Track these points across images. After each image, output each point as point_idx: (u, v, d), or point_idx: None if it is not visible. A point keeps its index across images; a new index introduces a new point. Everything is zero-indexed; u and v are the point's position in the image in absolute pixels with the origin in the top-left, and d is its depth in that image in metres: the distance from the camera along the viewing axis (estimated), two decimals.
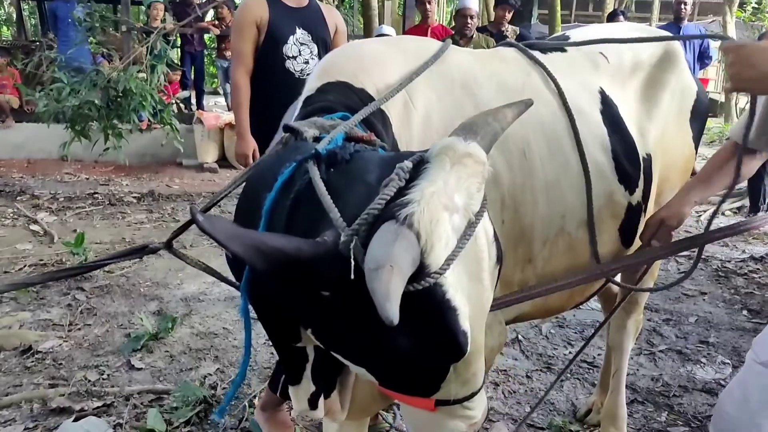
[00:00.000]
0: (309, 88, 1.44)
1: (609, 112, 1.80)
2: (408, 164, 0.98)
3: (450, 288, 0.94)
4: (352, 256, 0.91)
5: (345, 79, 1.41)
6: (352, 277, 0.90)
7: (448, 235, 0.93)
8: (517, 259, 1.62)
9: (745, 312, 3.81)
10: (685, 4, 6.68)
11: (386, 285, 0.83)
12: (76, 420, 2.51)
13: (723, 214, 6.24)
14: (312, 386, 1.37)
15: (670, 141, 2.00)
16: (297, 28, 3.09)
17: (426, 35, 6.10)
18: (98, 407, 2.63)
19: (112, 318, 3.51)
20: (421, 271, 0.89)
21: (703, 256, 4.81)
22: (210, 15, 9.12)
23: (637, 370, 3.03)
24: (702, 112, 2.14)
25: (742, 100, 15.83)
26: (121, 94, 5.36)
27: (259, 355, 3.09)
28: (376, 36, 5.68)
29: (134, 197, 6.39)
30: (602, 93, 1.82)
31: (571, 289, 1.81)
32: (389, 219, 0.90)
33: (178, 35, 8.01)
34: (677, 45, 2.08)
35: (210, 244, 4.94)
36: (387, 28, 5.80)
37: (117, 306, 3.68)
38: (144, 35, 7.07)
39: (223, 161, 7.97)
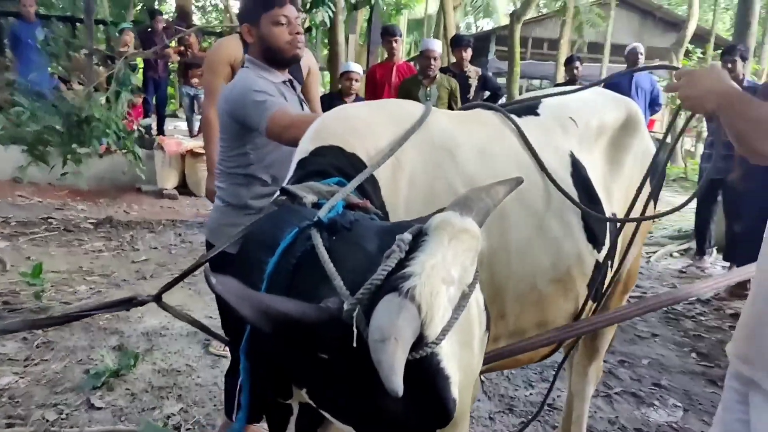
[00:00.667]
0: (302, 150, 1.49)
1: (578, 174, 1.91)
2: (407, 236, 1.03)
3: (444, 357, 0.98)
4: (355, 325, 0.95)
5: (338, 144, 1.47)
6: (355, 345, 0.94)
7: (445, 307, 0.97)
8: (491, 315, 1.68)
9: (694, 355, 3.98)
10: (640, 54, 7.02)
11: (392, 357, 0.87)
12: None
13: (671, 255, 6.52)
14: None
15: (630, 199, 2.10)
16: None
17: (392, 72, 6.24)
18: None
19: (71, 353, 3.43)
20: (419, 341, 0.94)
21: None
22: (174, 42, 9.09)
23: (595, 412, 3.13)
24: (659, 171, 2.28)
25: (688, 143, 16.56)
26: (83, 121, 5.27)
27: (224, 394, 3.06)
28: (342, 72, 5.77)
29: (91, 223, 6.26)
30: (572, 156, 1.93)
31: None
32: (392, 291, 0.94)
33: (141, 61, 7.96)
34: (638, 109, 2.22)
35: (171, 275, 4.88)
36: (353, 65, 5.89)
37: (76, 340, 3.59)
38: (107, 60, 7.00)
39: (183, 188, 7.89)
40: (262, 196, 2.26)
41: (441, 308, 0.97)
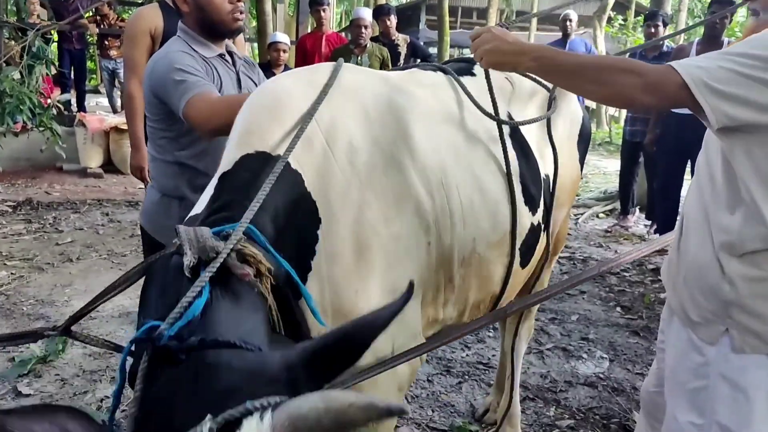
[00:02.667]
0: (228, 161, 1.39)
1: (517, 137, 1.92)
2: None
3: None
4: None
5: (263, 148, 1.38)
6: None
7: None
8: (440, 279, 1.70)
9: (618, 309, 4.18)
10: (571, 20, 7.16)
11: None
12: None
13: (597, 216, 6.78)
14: None
15: (562, 164, 2.13)
16: None
17: (321, 42, 6.15)
18: None
19: None
20: None
21: (581, 258, 5.22)
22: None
23: (528, 368, 3.25)
24: (586, 136, 2.35)
25: (611, 108, 17.13)
26: None
27: None
28: (270, 43, 5.65)
29: (9, 206, 5.95)
30: (510, 118, 1.93)
31: (478, 308, 1.92)
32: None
33: (55, 32, 7.53)
34: None
35: (99, 257, 4.72)
36: (281, 36, 5.77)
37: None
38: (17, 32, 6.60)
39: (108, 166, 7.59)
40: (201, 188, 2.03)
41: None
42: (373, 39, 6.14)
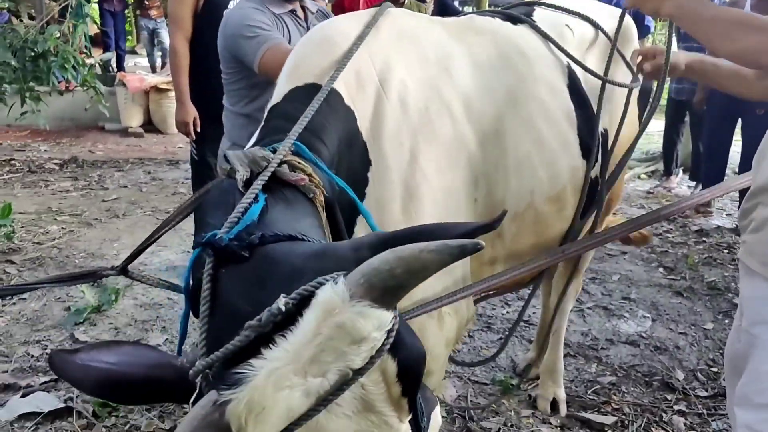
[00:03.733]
0: (278, 93, 1.39)
1: (575, 87, 1.86)
2: (280, 308, 0.81)
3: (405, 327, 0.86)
4: (198, 388, 0.84)
5: (314, 80, 1.37)
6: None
7: (278, 418, 0.78)
8: (487, 235, 1.69)
9: (660, 269, 4.13)
10: None
11: None
12: (23, 396, 2.47)
13: (639, 177, 6.65)
14: None
15: (618, 118, 2.05)
16: None
17: (359, 0, 6.06)
18: (45, 382, 2.59)
19: (48, 291, 3.40)
20: None
21: (621, 218, 5.15)
22: None
23: (569, 326, 3.25)
24: (646, 92, 2.28)
25: None
26: (39, 56, 5.05)
27: None
28: None
29: (56, 164, 6.11)
30: (569, 68, 1.87)
31: (536, 245, 1.85)
32: (217, 389, 0.79)
33: None
34: (631, 23, 2.14)
35: (144, 213, 4.83)
36: None
37: None
38: None
39: (148, 125, 7.71)
40: None
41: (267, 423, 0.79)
42: None
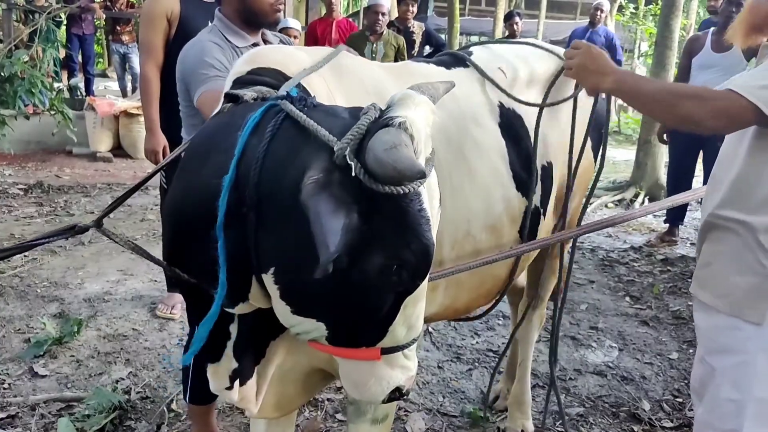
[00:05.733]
0: (237, 71, 1.45)
1: (507, 124, 1.95)
2: (377, 105, 1.12)
3: (425, 200, 1.07)
4: (351, 162, 1.01)
5: (276, 66, 1.45)
6: (353, 173, 1.01)
7: (427, 148, 1.08)
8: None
9: (627, 298, 4.19)
10: (602, 11, 7.12)
11: (407, 151, 0.98)
12: None
13: (606, 206, 6.77)
14: (234, 363, 1.42)
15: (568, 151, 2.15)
16: (209, 23, 3.05)
17: (332, 28, 6.14)
18: (2, 419, 2.51)
19: (7, 323, 3.32)
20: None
21: (589, 247, 5.22)
22: None
23: (538, 356, 3.26)
24: (600, 123, 2.34)
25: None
26: (6, 80, 4.98)
27: (173, 356, 3.04)
28: (281, 29, 5.61)
29: (20, 189, 5.98)
30: (501, 106, 1.97)
31: (477, 293, 1.98)
32: (383, 127, 1.02)
33: (64, 16, 7.52)
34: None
35: (110, 240, 4.74)
36: (292, 21, 5.73)
37: (12, 309, 3.47)
38: (25, 15, 6.59)
39: (117, 150, 7.61)
40: None
41: (427, 146, 1.08)
42: (388, 24, 6.11)
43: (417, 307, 1.20)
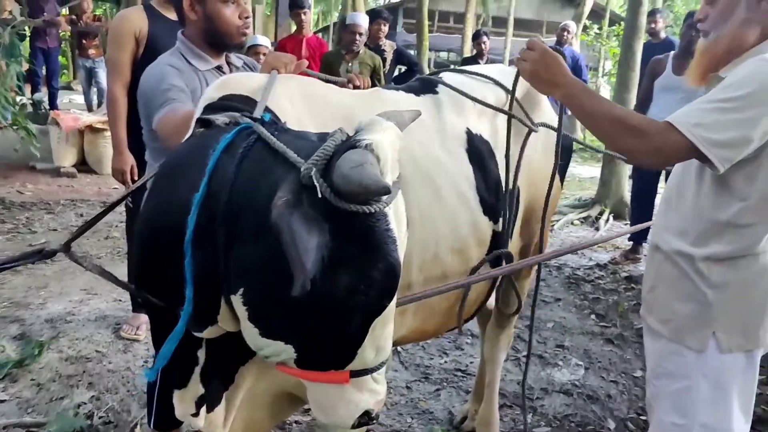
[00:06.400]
0: (209, 97, 1.49)
1: (474, 150, 1.99)
2: (344, 129, 1.16)
3: (392, 220, 1.11)
4: (316, 182, 1.05)
5: (246, 93, 1.49)
6: (320, 194, 1.04)
7: (394, 169, 1.12)
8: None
9: (593, 317, 4.26)
10: (568, 31, 7.28)
11: (373, 168, 1.02)
12: None
13: (572, 223, 6.88)
14: (201, 389, 1.42)
15: (536, 174, 2.20)
16: None
17: (301, 46, 6.13)
18: None
19: None
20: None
21: (556, 265, 5.30)
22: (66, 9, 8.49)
23: (505, 375, 3.30)
24: (565, 146, 2.39)
25: None
26: None
27: (138, 378, 2.99)
28: (250, 46, 5.59)
29: None
30: (468, 133, 2.01)
31: (447, 314, 2.00)
32: (350, 149, 1.06)
33: (29, 29, 7.40)
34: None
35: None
36: (261, 38, 5.69)
37: None
38: None
39: (82, 165, 7.48)
40: None
41: (393, 167, 1.12)
42: None
43: (385, 329, 1.21)
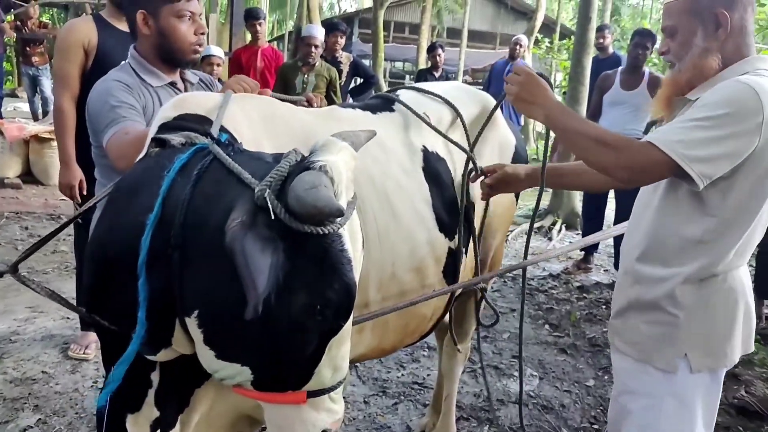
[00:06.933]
0: (164, 116, 1.46)
1: (430, 168, 2.01)
2: (299, 150, 1.18)
3: (347, 240, 1.12)
4: (270, 203, 1.05)
5: (202, 113, 1.47)
6: (272, 216, 1.05)
7: (348, 189, 1.14)
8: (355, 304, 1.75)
9: (546, 326, 4.33)
10: (521, 45, 7.44)
11: (327, 191, 1.03)
12: None
13: (525, 234, 7.00)
14: (155, 412, 1.39)
15: None
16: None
17: (257, 57, 6.10)
18: None
19: None
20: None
21: (511, 275, 5.37)
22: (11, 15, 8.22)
23: (462, 387, 3.32)
24: (521, 162, 2.44)
25: (539, 125, 17.76)
26: None
27: (87, 400, 2.90)
28: (203, 57, 5.51)
29: None
30: (425, 150, 2.03)
31: (403, 333, 2.01)
32: (305, 170, 1.07)
33: None
34: (493, 103, 2.26)
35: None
36: (215, 48, 5.64)
37: None
38: None
39: (27, 176, 7.22)
40: None
41: (347, 189, 1.13)
42: None
43: (342, 349, 1.22)
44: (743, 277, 1.60)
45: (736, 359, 1.63)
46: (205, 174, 1.19)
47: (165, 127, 1.43)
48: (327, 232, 1.07)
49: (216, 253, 1.08)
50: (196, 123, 1.44)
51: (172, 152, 1.30)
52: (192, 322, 1.17)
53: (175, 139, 1.34)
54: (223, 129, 1.42)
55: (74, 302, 2.92)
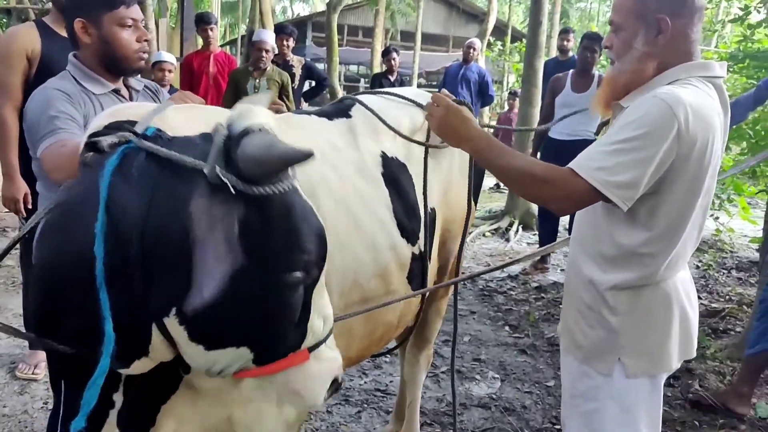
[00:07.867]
0: (96, 126, 1.37)
1: (389, 174, 2.00)
2: (223, 123, 1.16)
3: (302, 191, 1.18)
4: (226, 179, 1.06)
5: (137, 119, 1.38)
6: (233, 192, 1.07)
7: None
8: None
9: (506, 328, 4.37)
10: (474, 49, 7.51)
11: (284, 144, 1.06)
12: None
13: (484, 235, 7.07)
14: None
15: (452, 196, 2.25)
16: None
17: (209, 62, 5.99)
18: None
19: None
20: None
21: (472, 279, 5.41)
22: None
23: (425, 392, 3.32)
24: (480, 169, 2.45)
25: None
26: None
27: (36, 422, 2.78)
28: (154, 63, 5.39)
29: None
30: (383, 156, 2.01)
31: (369, 340, 1.99)
32: (244, 137, 1.08)
33: None
34: None
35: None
36: (166, 54, 5.52)
37: None
38: None
39: None
40: None
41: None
42: None
43: (323, 296, 1.28)
44: (678, 284, 1.62)
45: (675, 365, 1.66)
46: (141, 174, 1.14)
47: (94, 136, 1.37)
48: (287, 188, 1.10)
49: (182, 248, 1.08)
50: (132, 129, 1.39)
51: (104, 157, 1.22)
52: (172, 322, 1.13)
53: (107, 140, 1.25)
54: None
55: (21, 318, 2.79)
